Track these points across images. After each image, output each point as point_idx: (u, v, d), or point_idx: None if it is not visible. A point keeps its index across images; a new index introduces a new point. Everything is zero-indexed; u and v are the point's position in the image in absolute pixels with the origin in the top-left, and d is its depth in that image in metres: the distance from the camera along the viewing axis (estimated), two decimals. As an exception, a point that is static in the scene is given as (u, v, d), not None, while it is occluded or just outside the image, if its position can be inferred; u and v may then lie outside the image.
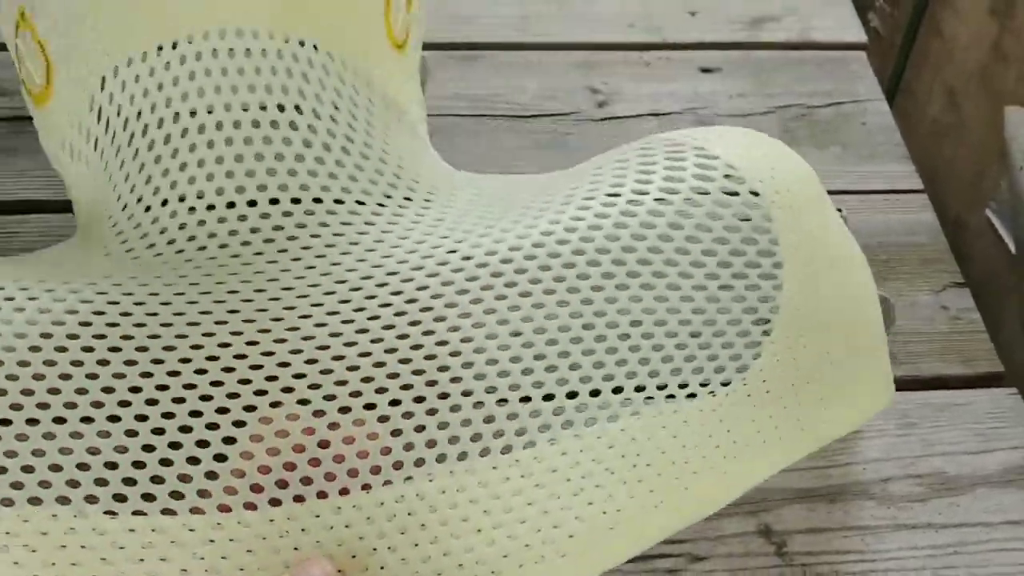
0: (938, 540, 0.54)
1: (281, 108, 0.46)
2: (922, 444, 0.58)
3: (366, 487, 0.40)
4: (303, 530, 0.39)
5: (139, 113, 0.47)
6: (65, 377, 0.40)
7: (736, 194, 0.46)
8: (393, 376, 0.41)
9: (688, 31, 0.77)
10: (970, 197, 0.77)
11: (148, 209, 0.46)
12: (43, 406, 0.39)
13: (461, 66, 0.73)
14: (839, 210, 0.53)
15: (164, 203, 0.46)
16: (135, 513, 0.39)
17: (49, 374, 0.40)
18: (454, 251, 0.45)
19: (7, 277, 0.44)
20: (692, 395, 0.44)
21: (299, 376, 0.41)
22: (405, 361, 0.41)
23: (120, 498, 0.39)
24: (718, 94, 0.73)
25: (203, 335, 0.41)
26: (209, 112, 0.46)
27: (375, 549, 0.40)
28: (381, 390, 0.41)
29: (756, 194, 0.47)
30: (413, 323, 0.42)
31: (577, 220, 0.45)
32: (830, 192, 0.69)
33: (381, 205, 0.47)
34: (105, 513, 0.39)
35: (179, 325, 0.42)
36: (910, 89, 0.86)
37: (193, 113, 0.46)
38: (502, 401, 0.42)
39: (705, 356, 0.45)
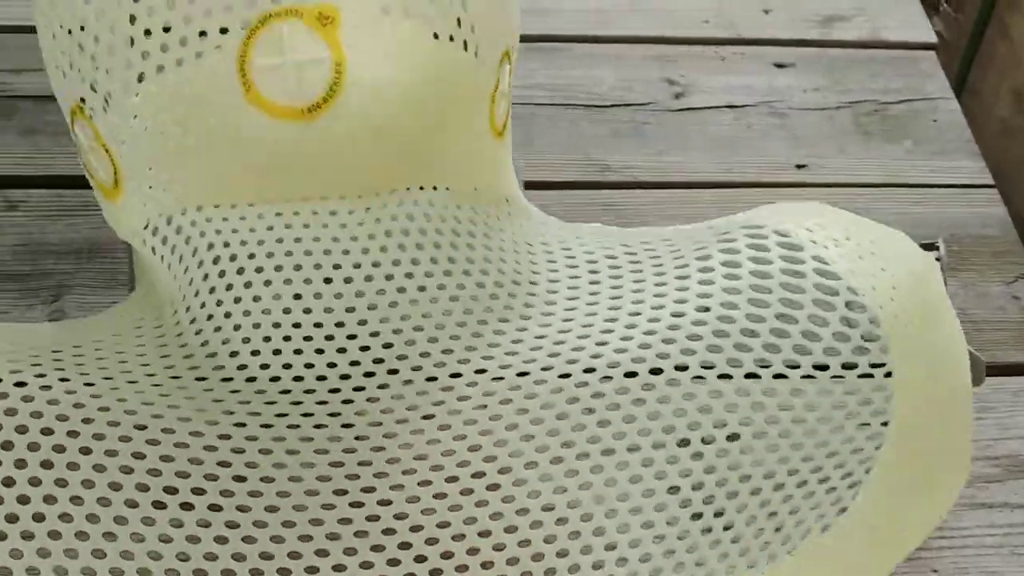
0: (1014, 519, 0.55)
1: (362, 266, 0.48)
2: (998, 428, 0.59)
3: None
4: None
5: (227, 244, 0.47)
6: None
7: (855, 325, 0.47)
8: (499, 548, 0.43)
9: (762, 28, 0.79)
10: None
11: (226, 342, 0.47)
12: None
13: (542, 57, 0.75)
14: (934, 248, 0.54)
15: (246, 340, 0.46)
16: None
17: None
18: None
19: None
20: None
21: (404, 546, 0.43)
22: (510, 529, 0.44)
23: None
24: (792, 88, 0.75)
25: (305, 493, 0.44)
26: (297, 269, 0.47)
27: None
28: (487, 564, 0.43)
29: (874, 338, 0.47)
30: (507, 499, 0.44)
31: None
32: (901, 185, 0.71)
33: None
34: None
35: (280, 481, 0.44)
36: (975, 90, 0.87)
37: (287, 268, 0.47)
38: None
39: (809, 507, 0.46)
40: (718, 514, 0.45)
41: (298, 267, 0.46)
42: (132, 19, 0.46)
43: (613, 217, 0.62)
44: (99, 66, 0.47)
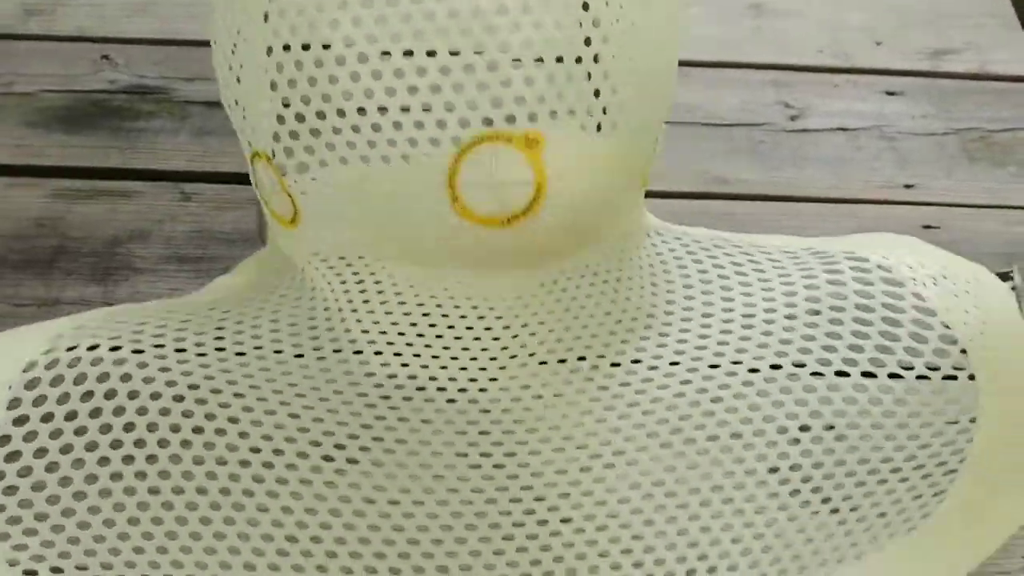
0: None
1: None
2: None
3: None
4: None
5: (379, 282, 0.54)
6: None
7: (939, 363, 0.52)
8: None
9: (874, 58, 0.83)
10: None
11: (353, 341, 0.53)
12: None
13: (668, 78, 0.80)
14: (1010, 277, 0.58)
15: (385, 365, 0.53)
16: None
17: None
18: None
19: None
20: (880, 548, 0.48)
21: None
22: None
23: None
24: (902, 115, 0.79)
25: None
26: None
27: None
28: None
29: (963, 366, 0.52)
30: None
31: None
32: (1004, 206, 0.74)
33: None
34: None
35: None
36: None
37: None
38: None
39: (895, 510, 0.49)
40: (824, 500, 0.50)
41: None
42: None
43: (726, 227, 0.67)
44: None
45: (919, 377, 0.51)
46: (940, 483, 0.50)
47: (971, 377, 0.51)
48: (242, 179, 0.72)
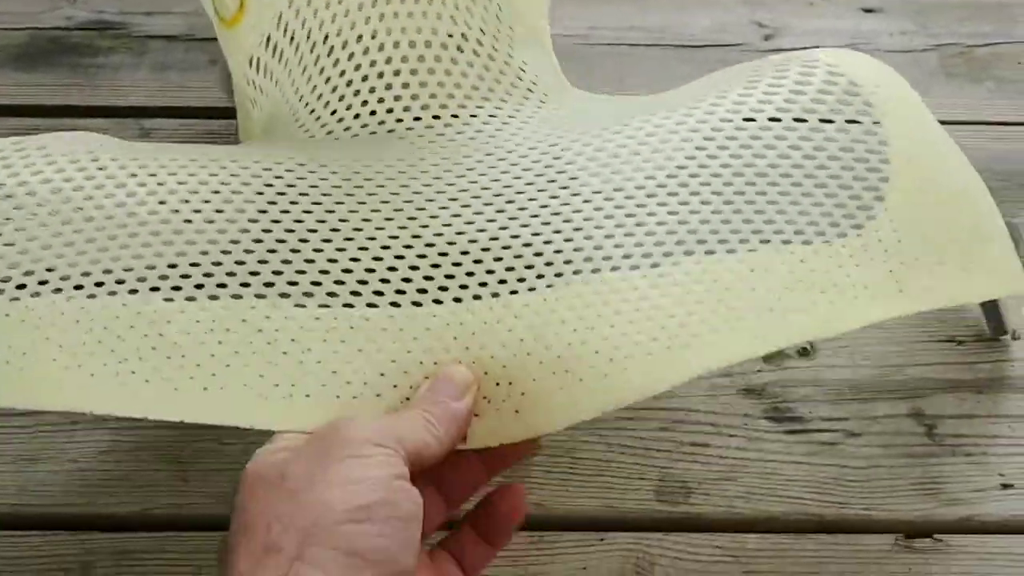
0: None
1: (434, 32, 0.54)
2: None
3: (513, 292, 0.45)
4: (461, 325, 0.45)
5: (321, 25, 0.54)
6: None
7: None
8: (532, 200, 0.48)
9: (850, -26, 0.81)
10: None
11: (334, 112, 0.54)
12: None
13: (636, 2, 0.78)
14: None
15: (348, 107, 0.54)
16: (320, 306, 0.45)
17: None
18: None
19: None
20: (808, 242, 0.48)
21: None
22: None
23: (308, 294, 0.45)
24: (879, 32, 0.77)
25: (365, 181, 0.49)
26: (373, 37, 0.54)
27: (512, 354, 0.44)
28: (522, 208, 0.47)
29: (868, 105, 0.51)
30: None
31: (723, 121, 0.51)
32: (984, 123, 0.73)
33: (499, 108, 0.54)
34: (296, 306, 0.45)
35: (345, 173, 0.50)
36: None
37: (367, 36, 0.54)
38: (639, 224, 0.47)
39: (819, 213, 0.48)
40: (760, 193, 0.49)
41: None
42: None
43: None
44: None
45: (823, 120, 0.51)
46: (858, 216, 0.49)
47: (876, 123, 0.51)
48: (201, 113, 0.71)
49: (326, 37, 0.54)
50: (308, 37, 0.55)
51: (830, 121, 0.51)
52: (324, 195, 0.48)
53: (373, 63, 0.54)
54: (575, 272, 0.45)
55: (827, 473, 0.56)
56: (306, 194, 0.48)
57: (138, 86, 0.72)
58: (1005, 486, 0.55)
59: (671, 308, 0.45)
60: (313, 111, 0.54)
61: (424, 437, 0.41)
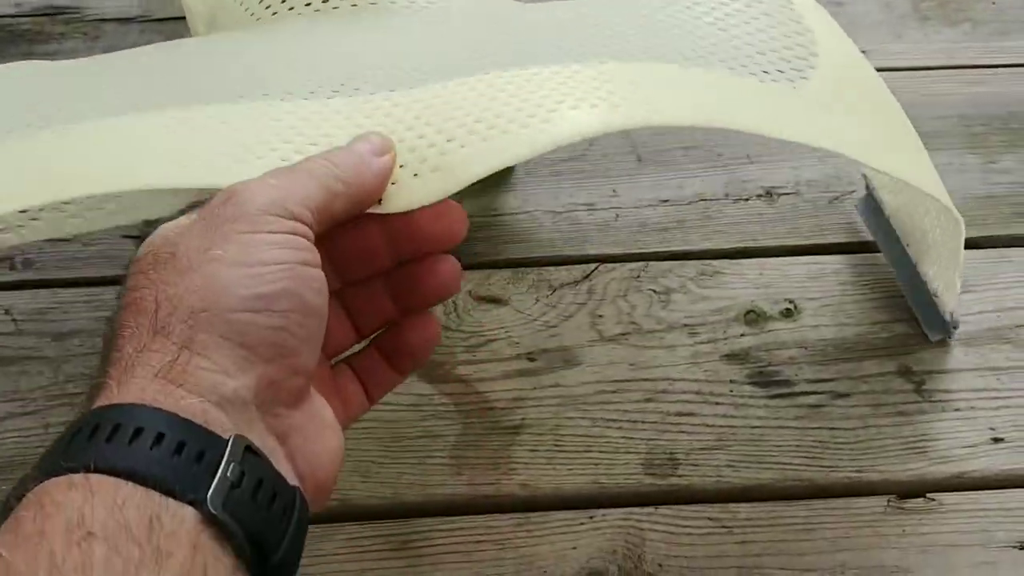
0: (1072, 379, 0.57)
1: None
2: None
3: None
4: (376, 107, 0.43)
5: None
6: None
7: None
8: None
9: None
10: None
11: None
12: None
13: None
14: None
15: None
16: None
17: None
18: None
19: None
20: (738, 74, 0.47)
21: None
22: None
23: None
24: (850, -24, 0.76)
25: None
26: None
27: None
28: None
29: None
30: None
31: None
32: (960, 66, 0.71)
33: None
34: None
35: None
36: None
37: None
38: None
39: (753, 62, 0.47)
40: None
41: None
42: None
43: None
44: None
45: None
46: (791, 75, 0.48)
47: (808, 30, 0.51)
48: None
49: None
50: None
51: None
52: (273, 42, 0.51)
53: None
54: (483, 71, 0.44)
55: (816, 436, 0.55)
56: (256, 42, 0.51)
57: (93, 72, 0.70)
58: (996, 440, 0.55)
59: (588, 82, 0.42)
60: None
61: (329, 184, 0.37)
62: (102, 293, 0.59)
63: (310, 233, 0.36)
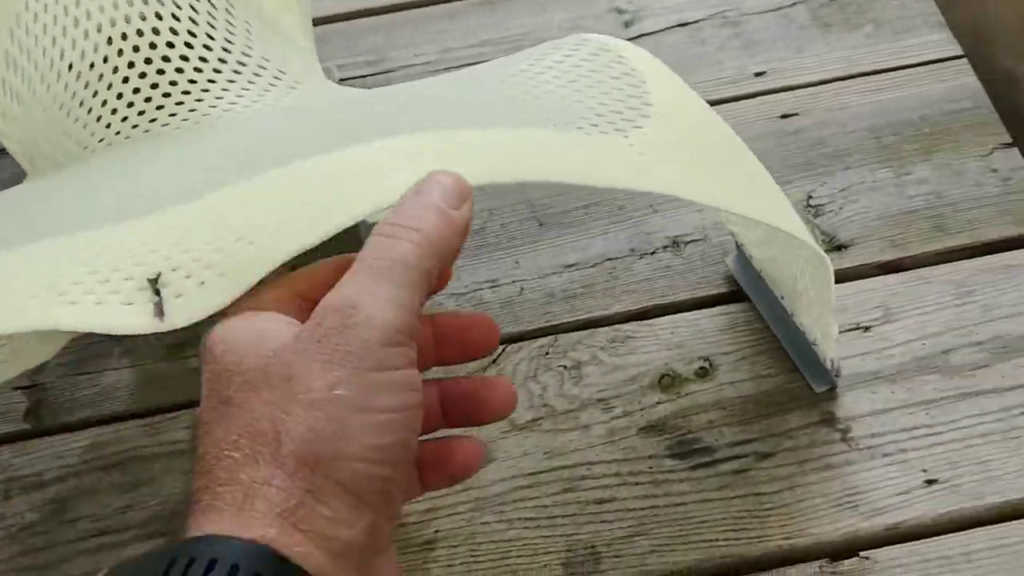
0: (1007, 402, 0.55)
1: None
2: (982, 310, 0.58)
3: None
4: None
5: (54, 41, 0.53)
6: None
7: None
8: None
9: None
10: (1021, 49, 0.76)
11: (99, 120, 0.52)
12: None
13: (482, 13, 0.74)
14: None
15: (98, 119, 0.52)
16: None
17: None
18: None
19: None
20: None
21: None
22: None
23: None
24: (744, -6, 0.73)
25: None
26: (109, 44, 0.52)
27: None
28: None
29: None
30: None
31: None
32: (865, 74, 0.69)
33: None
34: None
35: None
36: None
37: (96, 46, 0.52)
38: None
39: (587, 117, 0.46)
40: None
41: None
42: None
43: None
44: None
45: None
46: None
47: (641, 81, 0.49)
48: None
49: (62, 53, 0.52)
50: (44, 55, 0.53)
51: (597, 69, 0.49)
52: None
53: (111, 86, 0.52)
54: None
55: (741, 506, 0.52)
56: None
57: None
58: (929, 482, 0.52)
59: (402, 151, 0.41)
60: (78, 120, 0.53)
61: (426, 266, 0.36)
62: None
63: (416, 351, 0.36)
